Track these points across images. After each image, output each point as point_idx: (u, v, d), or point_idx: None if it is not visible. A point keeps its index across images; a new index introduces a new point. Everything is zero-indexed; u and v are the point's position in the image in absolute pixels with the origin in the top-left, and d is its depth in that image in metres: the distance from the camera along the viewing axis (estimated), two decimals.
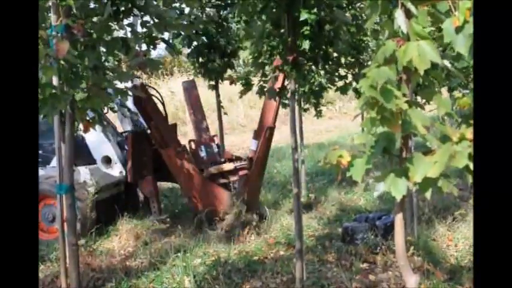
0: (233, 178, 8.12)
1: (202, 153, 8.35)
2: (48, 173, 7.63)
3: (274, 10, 5.62)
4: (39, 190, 7.36)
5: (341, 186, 10.95)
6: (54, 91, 3.52)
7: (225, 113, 10.08)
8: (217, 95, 9.68)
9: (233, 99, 20.73)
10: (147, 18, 4.17)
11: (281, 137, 16.07)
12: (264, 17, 5.86)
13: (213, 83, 9.51)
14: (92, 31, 3.98)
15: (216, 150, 8.53)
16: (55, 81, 3.78)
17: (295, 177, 5.47)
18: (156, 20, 4.15)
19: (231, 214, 7.80)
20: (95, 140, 7.83)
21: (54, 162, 7.67)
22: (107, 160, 8.12)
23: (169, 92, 19.21)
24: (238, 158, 8.36)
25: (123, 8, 4.00)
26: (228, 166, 8.16)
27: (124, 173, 8.26)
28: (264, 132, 8.06)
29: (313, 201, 10.14)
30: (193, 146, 8.46)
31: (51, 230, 7.83)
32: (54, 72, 3.52)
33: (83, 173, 7.98)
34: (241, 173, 8.10)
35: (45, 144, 7.92)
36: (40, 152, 7.87)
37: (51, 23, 3.84)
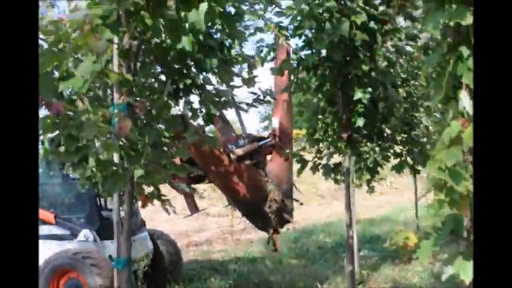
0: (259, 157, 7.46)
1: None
2: (75, 247, 7.70)
3: (328, 88, 5.70)
4: (65, 263, 7.49)
5: (394, 263, 10.68)
6: (115, 168, 3.57)
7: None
8: None
9: None
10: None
11: (331, 211, 15.93)
12: (319, 95, 5.94)
13: None
14: (151, 109, 4.08)
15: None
16: (115, 158, 3.85)
17: (349, 254, 5.37)
18: (215, 99, 4.23)
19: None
20: None
21: (81, 236, 7.82)
22: None
23: None
24: (262, 138, 7.81)
25: (182, 87, 4.09)
26: (252, 145, 7.55)
27: None
28: (280, 106, 7.42)
29: (366, 278, 9.89)
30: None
31: None
32: (115, 150, 3.58)
33: (108, 247, 7.86)
34: (266, 150, 7.49)
35: (73, 218, 8.06)
36: (69, 225, 7.99)
37: (113, 101, 3.94)
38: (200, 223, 16.19)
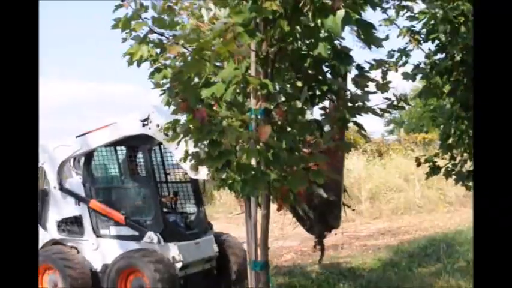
0: None
1: None
2: (140, 247, 7.99)
3: (463, 93, 5.54)
4: (130, 264, 7.82)
5: None
6: (253, 172, 3.68)
7: None
8: None
9: (409, 178, 20.28)
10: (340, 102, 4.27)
11: (461, 219, 15.36)
12: (451, 100, 5.79)
13: None
14: (287, 114, 4.16)
15: None
16: (253, 162, 3.95)
17: None
18: (350, 104, 4.23)
19: None
20: None
21: (146, 237, 8.05)
22: (195, 167, 8.00)
23: (345, 169, 19.22)
24: None
25: (318, 93, 4.14)
26: None
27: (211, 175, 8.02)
28: None
29: None
30: None
31: None
32: (255, 155, 3.69)
33: (172, 249, 8.13)
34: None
35: (141, 220, 8.35)
36: (137, 226, 8.27)
37: (251, 107, 4.05)
38: None
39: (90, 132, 8.41)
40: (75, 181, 8.94)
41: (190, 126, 4.05)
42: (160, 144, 8.47)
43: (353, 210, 7.20)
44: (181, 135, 4.44)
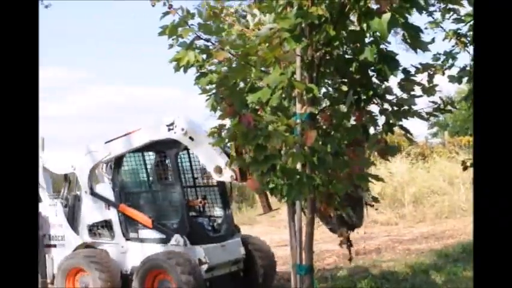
0: None
1: None
2: (169, 249, 8.11)
3: None
4: (157, 265, 7.92)
5: None
6: (299, 177, 3.70)
7: None
8: None
9: (453, 182, 19.97)
10: (386, 106, 4.26)
11: None
12: None
13: None
14: (332, 118, 4.17)
15: None
16: (298, 166, 3.97)
17: None
18: (395, 108, 4.22)
19: None
20: None
21: (173, 240, 8.16)
22: (219, 170, 8.05)
23: (388, 172, 19.07)
24: None
25: (364, 97, 4.13)
26: None
27: (234, 177, 8.08)
28: None
29: None
30: None
31: None
32: (300, 159, 3.71)
33: (198, 251, 8.19)
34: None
35: (168, 223, 8.50)
36: (164, 229, 8.41)
37: (296, 111, 4.07)
38: (369, 231, 16.05)
39: (119, 137, 8.60)
40: (105, 186, 9.16)
41: (236, 131, 4.09)
42: (187, 148, 8.58)
43: (376, 209, 7.14)
44: (226, 140, 4.50)
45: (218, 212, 9.32)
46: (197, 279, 7.85)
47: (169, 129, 7.94)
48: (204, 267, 8.17)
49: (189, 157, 9.28)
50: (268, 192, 6.33)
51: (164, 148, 8.56)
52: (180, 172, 8.82)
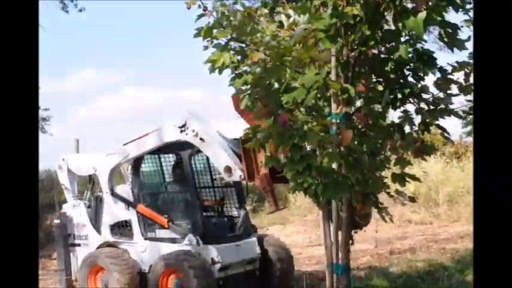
0: None
1: None
2: (183, 248, 8.20)
3: None
4: (171, 264, 8.06)
5: None
6: (335, 176, 3.70)
7: None
8: None
9: None
10: (422, 105, 4.23)
11: None
12: None
13: None
14: (367, 118, 4.16)
15: None
16: (334, 165, 3.96)
17: None
18: (432, 107, 4.19)
19: None
20: None
21: (186, 240, 8.23)
22: (228, 169, 7.90)
23: (422, 172, 18.82)
24: None
25: (400, 96, 4.11)
26: None
27: (243, 177, 7.96)
28: None
29: None
30: None
31: None
32: (336, 159, 3.71)
33: (211, 251, 8.22)
34: None
35: (183, 223, 8.62)
36: (179, 229, 8.53)
37: (331, 111, 4.07)
38: (403, 230, 15.93)
39: (136, 139, 8.72)
40: (125, 187, 9.35)
41: (271, 131, 4.10)
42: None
43: (385, 208, 7.12)
44: (262, 140, 4.50)
45: (235, 212, 9.42)
46: (209, 278, 7.97)
47: (181, 131, 8.01)
48: (217, 266, 8.25)
49: (208, 158, 9.34)
50: (302, 192, 6.40)
51: (179, 149, 8.67)
52: (193, 173, 8.94)
